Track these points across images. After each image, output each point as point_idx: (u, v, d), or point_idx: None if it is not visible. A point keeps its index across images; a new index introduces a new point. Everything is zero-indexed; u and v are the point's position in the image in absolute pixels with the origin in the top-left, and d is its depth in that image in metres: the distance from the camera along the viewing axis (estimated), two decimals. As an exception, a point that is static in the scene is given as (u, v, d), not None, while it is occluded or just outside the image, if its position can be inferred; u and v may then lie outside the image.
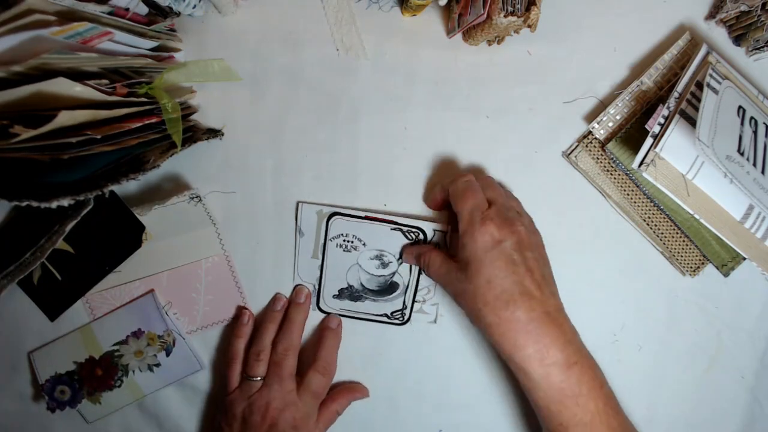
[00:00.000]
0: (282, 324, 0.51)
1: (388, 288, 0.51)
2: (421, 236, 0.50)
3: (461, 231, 0.43)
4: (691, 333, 0.52)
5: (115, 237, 0.48)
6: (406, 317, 0.52)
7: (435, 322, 0.52)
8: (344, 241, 0.50)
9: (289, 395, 0.47)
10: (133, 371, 0.50)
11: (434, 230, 0.50)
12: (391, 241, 0.50)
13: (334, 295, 0.52)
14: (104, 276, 0.49)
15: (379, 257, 0.51)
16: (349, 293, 0.52)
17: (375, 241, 0.50)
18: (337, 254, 0.51)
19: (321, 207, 0.50)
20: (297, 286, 0.52)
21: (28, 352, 0.51)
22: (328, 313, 0.52)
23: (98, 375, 0.50)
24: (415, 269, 0.51)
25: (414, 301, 0.51)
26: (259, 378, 0.48)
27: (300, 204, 0.50)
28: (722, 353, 0.52)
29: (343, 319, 0.52)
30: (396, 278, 0.51)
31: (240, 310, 0.51)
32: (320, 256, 0.51)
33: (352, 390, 0.51)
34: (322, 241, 0.51)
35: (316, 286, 0.52)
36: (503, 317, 0.40)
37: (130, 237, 0.48)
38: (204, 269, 0.51)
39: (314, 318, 0.52)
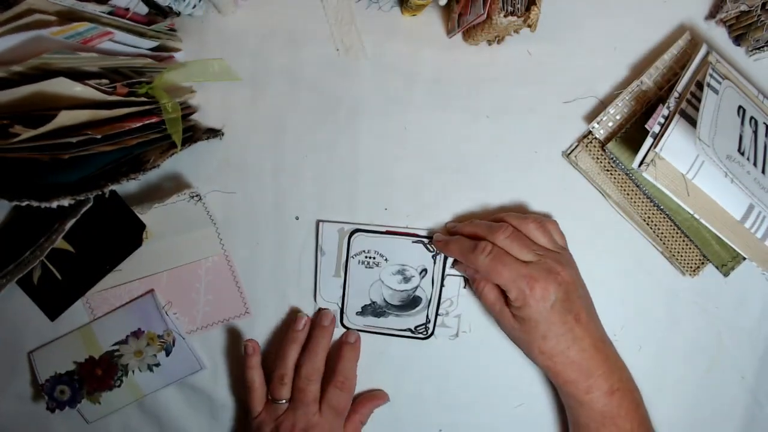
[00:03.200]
0: (306, 345, 0.50)
1: (411, 302, 0.51)
2: None
3: (512, 299, 0.44)
4: (691, 333, 0.52)
5: (116, 236, 0.48)
6: (429, 331, 0.52)
7: (457, 335, 0.52)
8: (366, 257, 0.51)
9: (314, 417, 0.48)
10: (133, 371, 0.50)
11: None
12: (412, 255, 0.50)
13: (357, 312, 0.52)
14: (105, 275, 0.49)
15: (401, 272, 0.51)
16: (372, 309, 0.52)
17: (396, 255, 0.51)
18: (360, 271, 0.51)
19: (342, 225, 0.50)
20: (322, 309, 0.52)
21: (28, 352, 0.51)
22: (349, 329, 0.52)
23: (98, 375, 0.49)
24: (438, 283, 0.51)
25: (437, 314, 0.51)
26: (284, 401, 0.48)
27: (320, 223, 0.51)
28: (722, 353, 0.52)
29: (368, 335, 0.52)
30: (418, 292, 0.51)
31: (243, 344, 0.51)
32: (342, 274, 0.51)
33: (372, 398, 0.51)
34: (344, 258, 0.51)
35: (339, 305, 0.52)
36: (558, 361, 0.44)
37: (131, 235, 0.48)
38: (204, 269, 0.51)
39: (336, 332, 0.52)
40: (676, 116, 0.44)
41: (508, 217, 0.47)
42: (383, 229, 0.51)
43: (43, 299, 0.50)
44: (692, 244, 0.50)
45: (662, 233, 0.50)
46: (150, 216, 0.48)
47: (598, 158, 0.50)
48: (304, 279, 0.52)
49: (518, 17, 0.42)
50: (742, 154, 0.43)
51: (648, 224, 0.50)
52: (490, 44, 0.50)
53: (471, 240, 0.46)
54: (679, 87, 0.46)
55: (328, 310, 0.52)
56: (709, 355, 0.52)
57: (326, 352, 0.51)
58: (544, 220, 0.47)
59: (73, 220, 0.43)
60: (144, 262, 0.50)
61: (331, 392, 0.49)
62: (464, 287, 0.51)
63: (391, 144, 0.51)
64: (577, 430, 0.46)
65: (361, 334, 0.52)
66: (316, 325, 0.51)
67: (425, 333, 0.52)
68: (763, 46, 0.49)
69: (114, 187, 0.40)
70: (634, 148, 0.46)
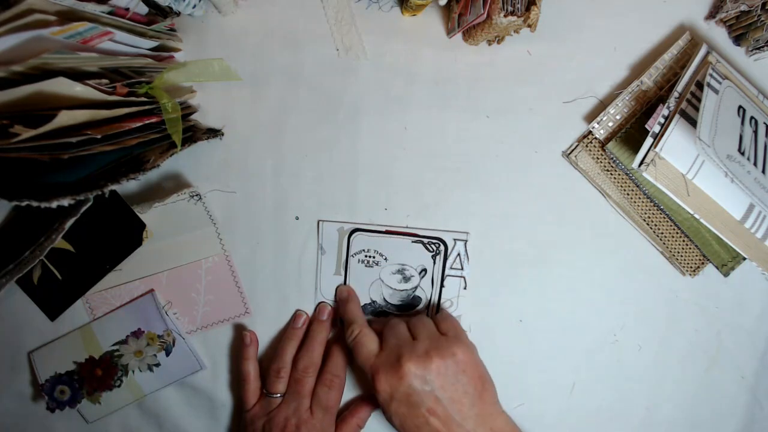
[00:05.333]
0: (303, 341, 0.51)
1: (410, 302, 0.51)
2: (442, 247, 0.50)
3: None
4: (691, 333, 0.52)
5: (116, 235, 0.48)
6: None
7: None
8: (366, 256, 0.51)
9: (306, 413, 0.48)
10: (133, 371, 0.50)
11: (454, 240, 0.50)
12: (412, 255, 0.51)
13: None
14: (105, 274, 0.49)
15: (400, 271, 0.51)
16: (372, 309, 0.52)
17: (396, 255, 0.51)
18: (360, 270, 0.51)
19: (342, 224, 0.50)
20: (320, 303, 0.52)
21: (28, 352, 0.51)
22: None
23: (98, 375, 0.49)
24: (438, 284, 0.51)
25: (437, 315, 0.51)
26: (279, 395, 0.49)
27: (321, 222, 0.51)
28: (722, 353, 0.52)
29: None
30: (418, 292, 0.51)
31: (242, 333, 0.51)
32: (343, 273, 0.51)
33: (370, 401, 0.51)
34: (344, 257, 0.51)
35: None
36: None
37: (131, 235, 0.48)
38: (204, 269, 0.51)
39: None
40: (676, 116, 0.44)
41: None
42: (383, 229, 0.51)
43: (43, 299, 0.50)
44: (692, 244, 0.50)
45: (662, 233, 0.50)
46: (150, 215, 0.48)
47: (598, 158, 0.50)
48: (304, 278, 0.52)
49: (518, 17, 0.42)
50: (743, 153, 0.43)
51: (648, 224, 0.50)
52: (490, 44, 0.50)
53: (349, 317, 0.49)
54: (679, 87, 0.46)
55: (326, 304, 0.52)
56: (709, 354, 0.52)
57: (323, 347, 0.51)
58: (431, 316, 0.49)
59: (73, 219, 0.43)
60: (144, 262, 0.50)
61: (318, 390, 0.49)
62: (464, 288, 0.51)
63: (391, 144, 0.51)
64: None
65: None
66: (313, 320, 0.51)
67: None
68: (763, 46, 0.49)
69: (114, 187, 0.40)
70: (634, 148, 0.46)
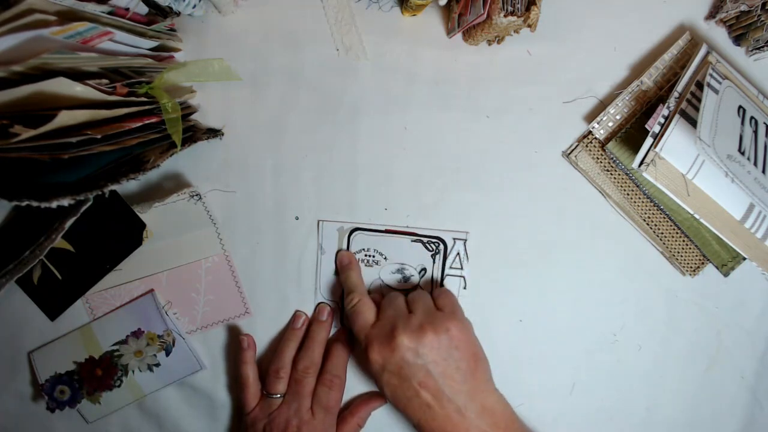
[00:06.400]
0: (303, 341, 0.51)
1: None
2: (442, 247, 0.50)
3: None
4: (691, 333, 0.52)
5: (116, 235, 0.48)
6: None
7: None
8: (366, 255, 0.51)
9: (306, 413, 0.48)
10: (133, 371, 0.50)
11: (454, 239, 0.50)
12: (411, 254, 0.51)
13: None
14: (105, 274, 0.49)
15: (400, 271, 0.51)
16: None
17: (396, 254, 0.51)
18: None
19: (342, 224, 0.50)
20: (320, 303, 0.52)
21: (28, 352, 0.51)
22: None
23: (98, 375, 0.49)
24: (437, 283, 0.51)
25: None
26: (279, 395, 0.49)
27: (321, 222, 0.51)
28: (722, 353, 0.52)
29: None
30: None
31: (239, 337, 0.51)
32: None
33: (369, 401, 0.51)
34: None
35: (339, 303, 0.52)
36: (420, 418, 0.43)
37: (131, 235, 0.48)
38: (204, 269, 0.51)
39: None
40: (676, 116, 0.44)
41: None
42: (383, 228, 0.51)
43: (43, 299, 0.50)
44: (692, 244, 0.50)
45: (662, 233, 0.50)
46: (150, 215, 0.48)
47: (598, 158, 0.50)
48: (304, 278, 0.52)
49: (518, 17, 0.42)
50: (743, 153, 0.43)
51: (648, 224, 0.50)
52: (490, 44, 0.50)
53: (350, 285, 0.49)
54: (679, 87, 0.46)
55: (326, 304, 0.52)
56: (709, 354, 0.52)
57: (323, 347, 0.51)
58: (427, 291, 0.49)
59: (73, 219, 0.43)
60: (144, 262, 0.50)
61: (318, 390, 0.49)
62: (464, 287, 0.51)
63: (391, 144, 0.51)
64: None
65: None
66: (313, 320, 0.51)
67: None
68: (763, 46, 0.49)
69: (114, 187, 0.40)
70: (634, 148, 0.46)
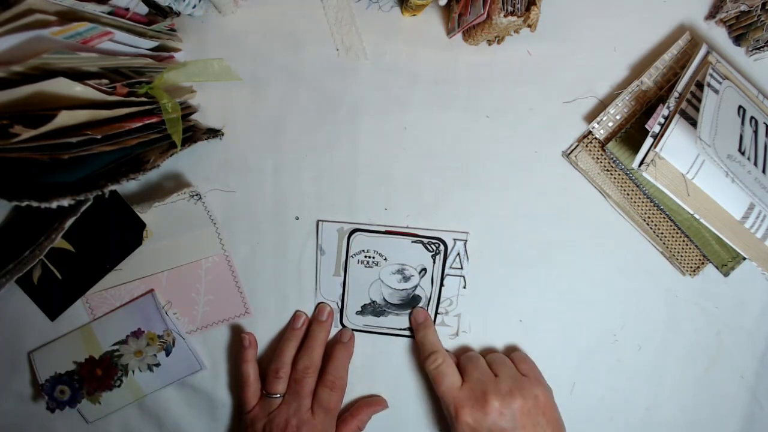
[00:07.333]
0: (303, 341, 0.51)
1: (410, 301, 0.51)
2: (442, 247, 0.50)
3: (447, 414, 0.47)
4: (691, 333, 0.52)
5: (116, 235, 0.48)
6: None
7: (457, 334, 0.52)
8: (365, 256, 0.51)
9: (306, 413, 0.48)
10: (133, 371, 0.50)
11: (454, 239, 0.50)
12: (412, 255, 0.51)
13: (357, 312, 0.52)
14: (105, 274, 0.49)
15: (400, 271, 0.51)
16: (372, 309, 0.52)
17: (396, 255, 0.51)
18: (359, 270, 0.51)
19: (342, 224, 0.50)
20: (319, 303, 0.52)
21: (28, 352, 0.51)
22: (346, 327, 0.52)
23: (98, 375, 0.50)
24: (437, 282, 0.51)
25: (437, 313, 0.51)
26: (278, 395, 0.49)
27: (320, 222, 0.51)
28: (722, 353, 0.52)
29: (368, 335, 0.52)
30: (418, 291, 0.51)
31: (241, 335, 0.51)
32: (342, 273, 0.51)
33: (370, 404, 0.51)
34: (343, 258, 0.51)
35: (339, 304, 0.52)
36: None
37: (131, 234, 0.48)
38: (204, 269, 0.51)
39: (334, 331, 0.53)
40: (677, 116, 0.44)
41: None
42: (383, 229, 0.51)
43: (43, 299, 0.50)
44: (692, 244, 0.50)
45: (662, 233, 0.50)
46: (150, 215, 0.48)
47: (598, 158, 0.50)
48: (304, 279, 0.52)
49: (518, 17, 0.42)
50: (743, 153, 0.43)
51: (648, 224, 0.50)
52: (490, 44, 0.50)
53: (430, 345, 0.50)
54: (679, 87, 0.46)
55: (326, 304, 0.52)
56: (709, 354, 0.52)
57: (323, 347, 0.51)
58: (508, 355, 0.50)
59: (73, 219, 0.43)
60: (144, 262, 0.50)
61: (320, 391, 0.49)
62: (464, 287, 0.51)
63: (391, 144, 0.51)
64: None
65: (361, 334, 0.52)
66: (313, 320, 0.51)
67: None
68: (763, 46, 0.49)
69: (114, 187, 0.40)
70: (634, 148, 0.46)
